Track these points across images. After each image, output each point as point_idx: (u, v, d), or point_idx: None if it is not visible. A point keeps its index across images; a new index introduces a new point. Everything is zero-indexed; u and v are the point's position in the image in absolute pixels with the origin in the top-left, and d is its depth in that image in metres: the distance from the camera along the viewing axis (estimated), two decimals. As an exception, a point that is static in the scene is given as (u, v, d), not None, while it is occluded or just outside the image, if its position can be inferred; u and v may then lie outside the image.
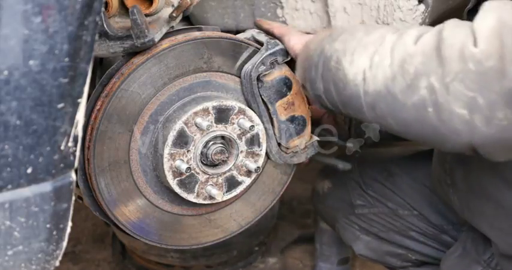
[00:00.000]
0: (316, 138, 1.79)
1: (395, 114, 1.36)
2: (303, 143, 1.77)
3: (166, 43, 1.59)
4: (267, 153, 1.73)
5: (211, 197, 1.66)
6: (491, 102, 1.23)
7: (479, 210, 1.78)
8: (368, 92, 1.38)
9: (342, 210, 2.20)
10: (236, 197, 1.76)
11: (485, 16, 1.26)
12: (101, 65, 1.74)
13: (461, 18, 1.69)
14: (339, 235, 2.27)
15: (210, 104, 1.60)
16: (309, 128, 1.77)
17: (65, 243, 1.31)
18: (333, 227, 2.28)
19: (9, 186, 1.19)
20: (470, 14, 1.74)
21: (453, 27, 1.30)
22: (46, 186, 1.22)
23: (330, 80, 1.48)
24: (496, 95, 1.23)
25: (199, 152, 1.61)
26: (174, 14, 1.60)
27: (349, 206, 2.18)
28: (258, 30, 1.75)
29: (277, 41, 1.69)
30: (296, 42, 1.67)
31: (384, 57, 1.36)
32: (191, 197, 1.65)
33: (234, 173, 1.68)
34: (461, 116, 1.26)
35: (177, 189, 1.62)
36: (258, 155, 1.69)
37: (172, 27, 1.63)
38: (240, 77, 1.69)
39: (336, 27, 1.58)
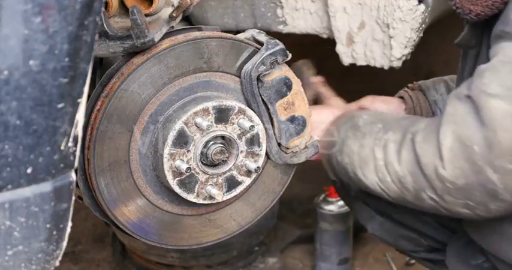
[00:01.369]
0: (316, 138, 1.79)
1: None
2: (303, 143, 1.77)
3: (166, 43, 1.59)
4: (267, 153, 1.73)
5: (211, 197, 1.66)
6: (481, 202, 1.54)
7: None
8: (391, 197, 1.70)
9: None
10: (236, 197, 1.75)
11: (446, 132, 1.53)
12: (101, 65, 1.74)
13: (460, 18, 1.69)
14: (354, 215, 2.31)
15: (210, 104, 1.60)
16: (309, 128, 1.77)
17: (65, 243, 1.31)
18: (350, 206, 2.31)
19: (9, 186, 1.19)
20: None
21: (422, 142, 1.58)
22: (46, 186, 1.22)
23: (356, 183, 1.78)
24: (481, 197, 1.52)
25: (199, 152, 1.61)
26: (174, 14, 1.59)
27: None
28: (258, 30, 1.75)
29: (277, 41, 1.69)
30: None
31: (385, 174, 1.67)
32: (191, 197, 1.65)
33: (234, 173, 1.68)
34: (466, 213, 1.58)
35: (177, 189, 1.62)
36: (258, 155, 1.69)
37: (172, 27, 1.63)
38: (240, 77, 1.69)
39: (334, 127, 1.82)
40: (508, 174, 1.48)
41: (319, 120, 1.85)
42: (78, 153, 1.26)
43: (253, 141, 1.67)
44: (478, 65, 1.65)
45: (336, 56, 2.30)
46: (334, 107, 1.96)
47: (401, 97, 2.10)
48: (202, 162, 1.63)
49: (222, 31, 1.70)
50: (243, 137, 1.66)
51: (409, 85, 2.12)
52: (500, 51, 1.51)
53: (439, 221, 2.11)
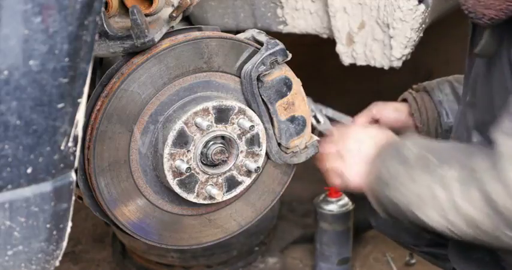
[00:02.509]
0: (316, 138, 1.79)
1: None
2: (303, 143, 1.77)
3: (166, 43, 1.59)
4: (267, 153, 1.73)
5: (211, 197, 1.66)
6: None
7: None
8: (459, 237, 1.57)
9: None
10: (236, 197, 1.76)
11: (509, 171, 1.43)
12: (101, 65, 1.74)
13: (460, 17, 1.69)
14: (359, 208, 2.29)
15: (210, 104, 1.60)
16: (309, 128, 1.77)
17: (65, 243, 1.31)
18: (355, 200, 2.29)
19: (9, 186, 1.19)
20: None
21: (490, 182, 1.46)
22: (46, 186, 1.22)
23: (412, 219, 1.64)
24: None
25: (199, 152, 1.61)
26: (174, 14, 1.60)
27: None
28: (258, 30, 1.75)
29: (277, 41, 1.69)
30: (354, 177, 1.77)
31: (454, 218, 1.53)
32: (191, 197, 1.65)
33: (234, 173, 1.68)
34: None
35: (177, 189, 1.62)
36: (258, 155, 1.69)
37: (172, 27, 1.63)
38: (240, 77, 1.69)
39: (375, 155, 1.71)
40: None
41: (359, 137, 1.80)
42: (78, 153, 1.26)
43: (253, 141, 1.68)
44: (491, 72, 1.61)
45: (336, 56, 2.30)
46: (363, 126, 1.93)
47: (405, 99, 2.10)
48: (202, 162, 1.63)
49: (222, 31, 1.70)
50: (243, 137, 1.66)
51: (414, 86, 2.12)
52: None
53: None
